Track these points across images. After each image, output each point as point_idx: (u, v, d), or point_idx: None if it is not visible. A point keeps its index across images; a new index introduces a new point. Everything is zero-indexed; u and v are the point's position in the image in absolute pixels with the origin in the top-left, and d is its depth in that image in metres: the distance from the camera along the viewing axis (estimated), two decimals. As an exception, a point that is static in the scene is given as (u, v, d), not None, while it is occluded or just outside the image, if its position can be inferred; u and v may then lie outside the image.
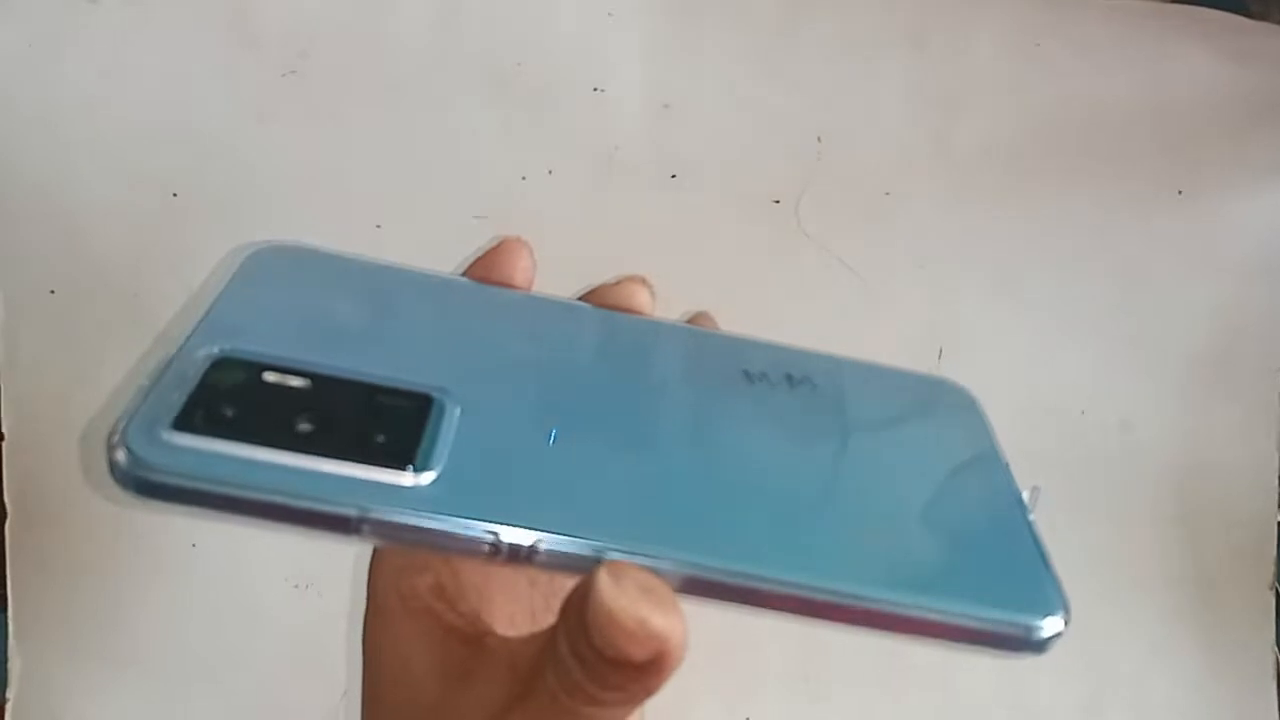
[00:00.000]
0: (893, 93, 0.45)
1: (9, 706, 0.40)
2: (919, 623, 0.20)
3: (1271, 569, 0.46)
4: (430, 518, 0.18)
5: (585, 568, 0.19)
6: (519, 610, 0.25)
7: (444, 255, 0.43)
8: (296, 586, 0.41)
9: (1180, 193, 0.46)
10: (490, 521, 0.19)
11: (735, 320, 0.45)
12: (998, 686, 0.45)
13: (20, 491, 0.40)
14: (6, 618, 0.40)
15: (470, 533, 0.19)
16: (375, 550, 0.25)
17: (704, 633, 0.41)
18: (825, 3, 0.45)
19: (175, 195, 0.41)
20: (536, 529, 0.19)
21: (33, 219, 0.41)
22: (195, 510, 0.18)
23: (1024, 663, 0.45)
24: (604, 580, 0.18)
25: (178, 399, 0.19)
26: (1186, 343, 0.46)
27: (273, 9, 0.42)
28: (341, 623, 0.40)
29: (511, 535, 0.19)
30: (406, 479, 0.19)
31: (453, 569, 0.24)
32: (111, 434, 0.18)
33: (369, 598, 0.25)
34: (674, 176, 0.43)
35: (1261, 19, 0.47)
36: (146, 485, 0.18)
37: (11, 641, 0.40)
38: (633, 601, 0.18)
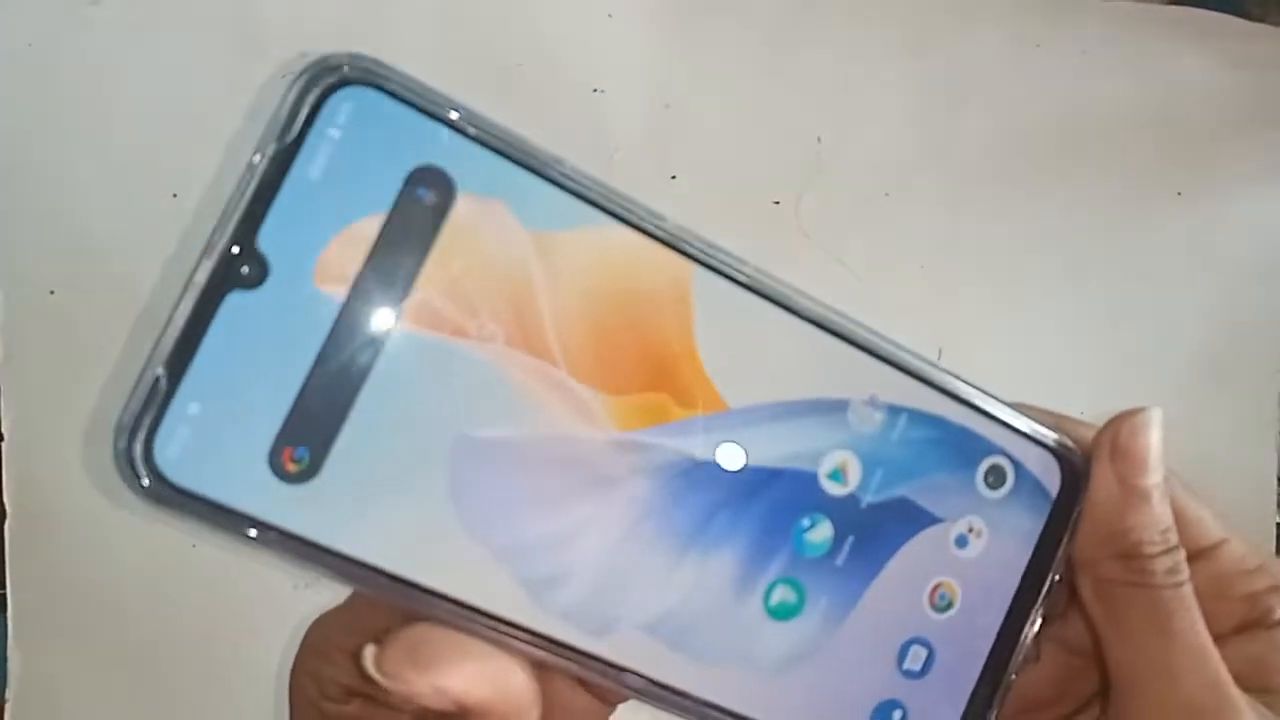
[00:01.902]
0: (893, 93, 0.45)
1: (9, 706, 0.40)
2: None
3: (1270, 569, 0.46)
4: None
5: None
6: None
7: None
8: (296, 587, 0.41)
9: (1179, 194, 0.46)
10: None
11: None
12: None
13: (20, 491, 0.40)
14: (6, 618, 0.40)
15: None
16: (293, 674, 0.24)
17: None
18: (825, 3, 0.45)
19: (175, 195, 0.41)
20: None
21: (33, 219, 0.41)
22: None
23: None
24: (369, 656, 0.19)
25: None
26: (1185, 343, 0.46)
27: (273, 9, 0.42)
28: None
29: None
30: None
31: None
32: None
33: None
34: (674, 178, 0.43)
35: (1260, 21, 0.47)
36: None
37: (11, 641, 0.40)
38: (397, 669, 0.19)
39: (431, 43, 0.42)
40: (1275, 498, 0.46)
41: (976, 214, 0.45)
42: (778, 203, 0.44)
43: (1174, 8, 0.46)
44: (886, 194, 0.44)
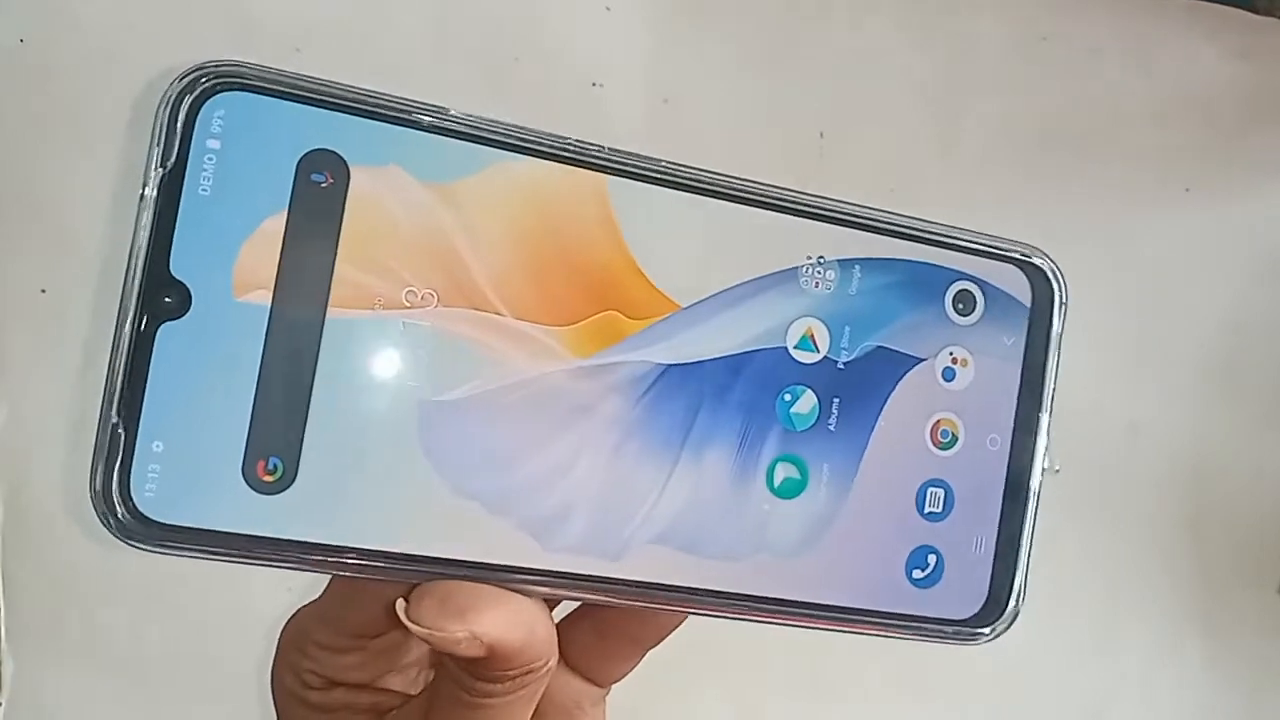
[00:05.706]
0: (896, 87, 0.44)
1: (1, 711, 0.40)
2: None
3: (1279, 571, 0.46)
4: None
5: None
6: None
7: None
8: (289, 590, 0.40)
9: (1187, 190, 0.45)
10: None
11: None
12: (1004, 688, 0.44)
13: (12, 495, 0.40)
14: (-2, 622, 0.40)
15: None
16: (273, 671, 0.24)
17: (705, 635, 0.41)
18: (827, -2, 0.44)
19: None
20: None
21: (23, 217, 0.40)
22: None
23: (1030, 664, 0.45)
24: (400, 609, 0.19)
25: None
26: (1194, 343, 0.45)
27: (268, 2, 0.41)
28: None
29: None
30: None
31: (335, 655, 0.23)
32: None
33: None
34: (674, 174, 0.43)
35: (1268, 14, 0.46)
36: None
37: (4, 646, 0.40)
38: (432, 619, 0.19)
39: (429, 36, 0.42)
40: (1285, 498, 0.45)
41: (981, 211, 0.44)
42: (779, 199, 0.43)
43: (1181, 2, 0.46)
44: (891, 190, 0.44)
